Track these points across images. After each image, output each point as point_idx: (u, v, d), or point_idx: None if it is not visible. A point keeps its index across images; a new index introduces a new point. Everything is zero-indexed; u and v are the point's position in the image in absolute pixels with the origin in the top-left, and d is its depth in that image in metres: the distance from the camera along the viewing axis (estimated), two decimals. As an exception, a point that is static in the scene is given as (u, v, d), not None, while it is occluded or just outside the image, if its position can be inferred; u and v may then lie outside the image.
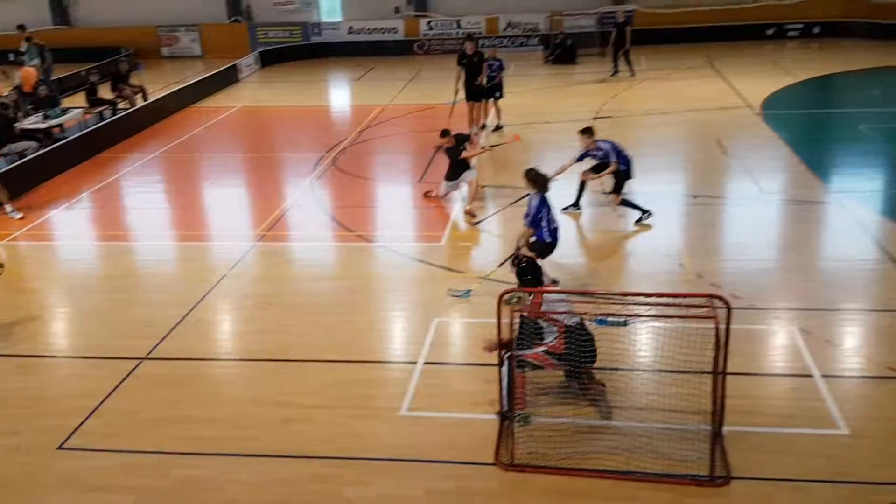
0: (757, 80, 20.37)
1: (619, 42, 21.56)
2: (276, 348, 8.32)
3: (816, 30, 27.17)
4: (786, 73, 21.26)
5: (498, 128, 16.88)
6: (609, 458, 6.19)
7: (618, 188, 11.23)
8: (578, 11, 28.06)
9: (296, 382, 7.66)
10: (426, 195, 12.84)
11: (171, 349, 8.40)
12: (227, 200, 13.67)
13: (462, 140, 12.44)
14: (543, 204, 8.95)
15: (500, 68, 16.59)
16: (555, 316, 6.47)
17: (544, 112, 18.32)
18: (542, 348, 6.51)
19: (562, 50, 25.35)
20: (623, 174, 11.18)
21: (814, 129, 16.02)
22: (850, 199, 11.78)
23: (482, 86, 16.10)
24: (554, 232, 9.00)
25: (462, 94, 16.18)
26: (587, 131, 11.31)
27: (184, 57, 30.41)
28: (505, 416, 6.53)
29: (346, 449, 6.58)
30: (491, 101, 16.65)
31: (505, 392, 6.46)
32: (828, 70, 21.68)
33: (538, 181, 8.99)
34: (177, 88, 21.83)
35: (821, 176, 12.88)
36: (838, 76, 21.19)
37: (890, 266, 9.46)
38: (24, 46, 21.79)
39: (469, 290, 9.15)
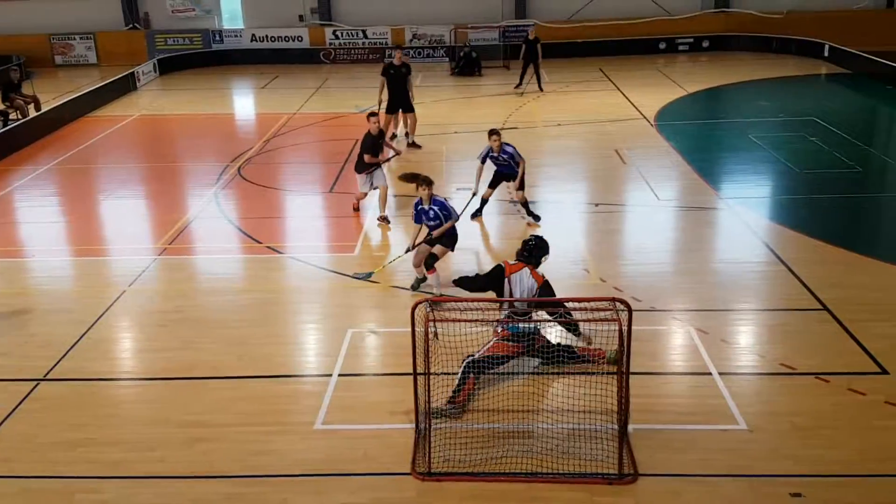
0: (651, 92, 21.26)
1: (529, 56, 21.52)
2: (181, 366, 8.07)
3: (705, 44, 28.58)
4: (677, 85, 22.28)
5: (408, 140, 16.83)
6: (523, 461, 6.31)
7: (521, 185, 11.73)
8: (483, 24, 28.54)
9: (203, 401, 7.45)
10: (355, 209, 12.63)
11: (70, 369, 8.03)
12: (125, 213, 13.16)
13: (382, 136, 12.39)
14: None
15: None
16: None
17: (451, 123, 18.54)
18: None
19: (466, 61, 25.68)
20: (507, 175, 11.77)
21: (705, 139, 16.82)
22: (741, 204, 12.44)
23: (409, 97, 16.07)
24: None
25: (384, 105, 16.07)
26: (495, 132, 11.56)
27: (79, 65, 29.16)
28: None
29: (259, 467, 6.46)
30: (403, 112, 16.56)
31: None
32: (716, 82, 22.85)
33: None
34: (71, 98, 20.88)
35: (712, 183, 13.56)
36: (726, 88, 22.36)
37: (779, 267, 10.05)
38: None
39: (371, 273, 9.44)
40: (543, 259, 7.85)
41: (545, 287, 7.50)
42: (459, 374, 7.03)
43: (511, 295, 7.39)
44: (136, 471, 6.44)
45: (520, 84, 22.21)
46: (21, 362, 8.15)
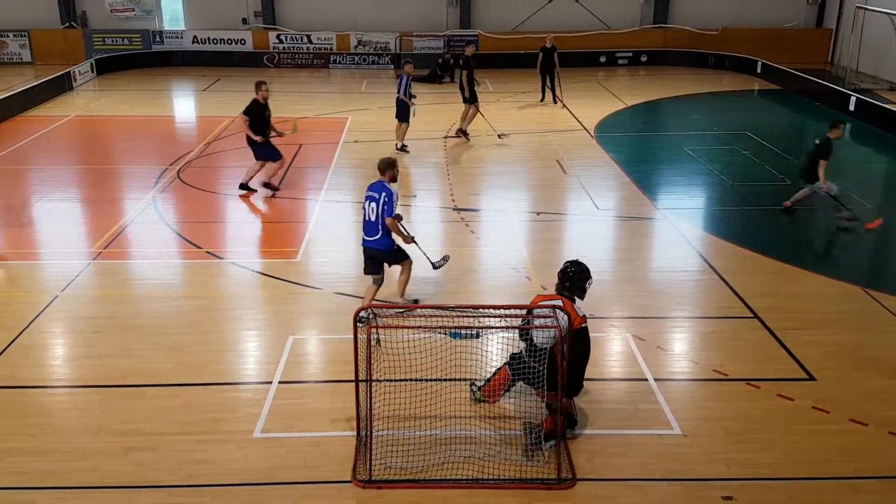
0: (591, 104, 21.68)
1: (546, 65, 21.24)
2: (115, 373, 7.87)
3: (644, 58, 29.30)
4: (617, 97, 22.76)
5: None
6: (464, 467, 6.35)
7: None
8: (428, 33, 28.67)
9: (138, 409, 7.28)
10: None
11: (-2, 378, 7.75)
12: (58, 216, 12.75)
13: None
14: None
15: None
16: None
17: (391, 129, 18.50)
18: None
19: (445, 69, 25.53)
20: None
21: (643, 151, 17.23)
22: (676, 215, 12.79)
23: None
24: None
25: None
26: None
27: (12, 63, 28.19)
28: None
29: (196, 476, 6.35)
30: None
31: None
32: (654, 95, 23.44)
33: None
34: (3, 96, 20.14)
35: (649, 194, 13.90)
36: (664, 101, 22.96)
37: (713, 277, 10.36)
38: None
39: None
40: (588, 284, 6.79)
41: (577, 335, 6.39)
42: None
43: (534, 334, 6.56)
44: (69, 481, 6.25)
45: (543, 97, 21.73)
46: (-55, 370, 7.83)
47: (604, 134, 18.37)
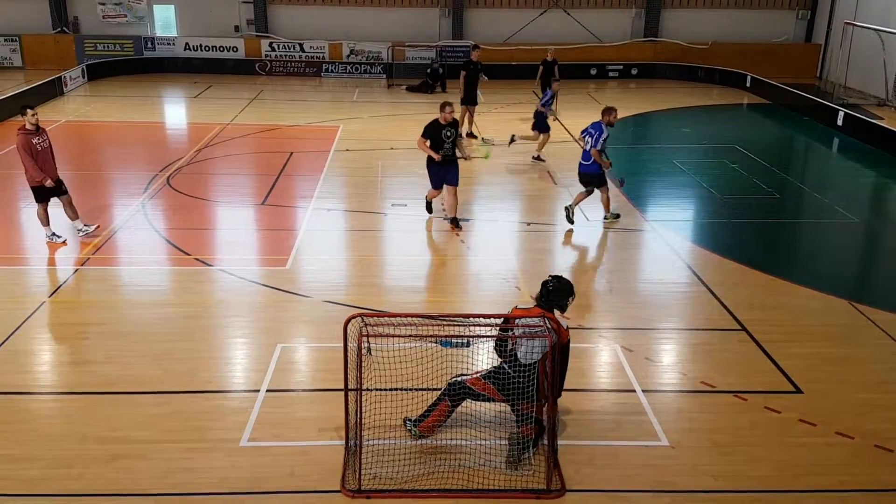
0: (581, 115, 21.70)
1: (546, 77, 21.03)
2: (102, 380, 7.82)
3: (634, 71, 29.50)
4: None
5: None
6: (453, 477, 6.34)
7: None
8: (421, 43, 28.77)
9: (124, 416, 7.23)
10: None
11: (-17, 384, 7.68)
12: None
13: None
14: None
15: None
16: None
17: (387, 139, 18.58)
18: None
19: (434, 78, 25.63)
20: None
21: (632, 163, 17.28)
22: (665, 227, 12.85)
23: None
24: None
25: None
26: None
27: (2, 68, 28.08)
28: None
29: (182, 484, 6.31)
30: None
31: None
32: (644, 108, 23.58)
33: None
34: (-9, 100, 20.08)
35: (639, 206, 13.97)
36: (653, 114, 23.10)
37: (701, 289, 10.41)
38: None
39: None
40: (570, 301, 6.79)
41: (564, 349, 6.39)
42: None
43: (514, 346, 6.55)
44: (54, 489, 6.20)
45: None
46: (-71, 375, 7.76)
47: (594, 146, 18.42)
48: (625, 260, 11.66)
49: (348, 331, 6.14)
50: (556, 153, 17.53)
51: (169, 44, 28.91)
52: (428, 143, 12.02)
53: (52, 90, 23.10)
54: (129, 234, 12.02)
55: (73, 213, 11.63)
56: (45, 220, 11.45)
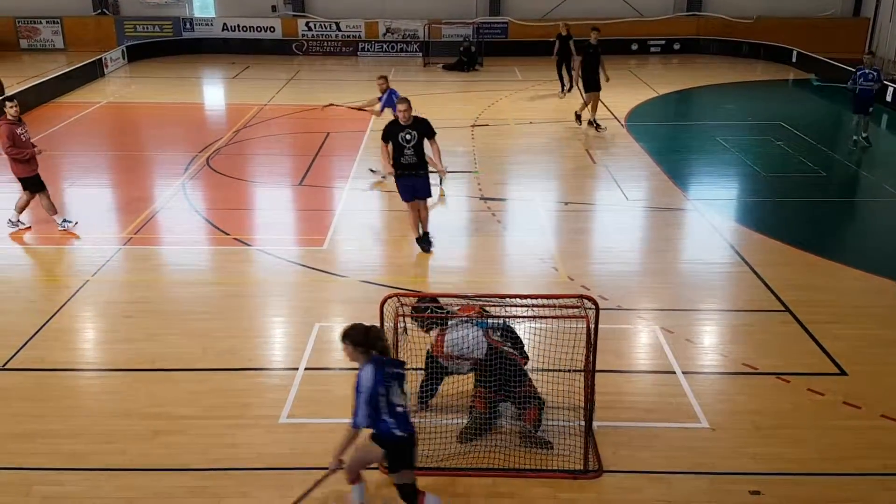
0: (622, 92, 21.42)
1: (562, 54, 21.02)
2: (145, 358, 7.96)
3: (677, 46, 28.91)
4: (648, 86, 22.48)
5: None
6: (489, 457, 6.34)
7: None
8: (457, 20, 28.53)
9: (166, 393, 7.36)
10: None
11: (30, 360, 7.88)
12: (90, 201, 12.92)
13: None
14: (378, 375, 5.33)
15: None
16: (459, 354, 6.47)
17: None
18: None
19: (467, 56, 25.46)
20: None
21: (674, 141, 17.02)
22: (708, 206, 12.61)
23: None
24: (404, 419, 5.47)
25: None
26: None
27: (45, 50, 28.62)
28: None
29: (223, 460, 6.40)
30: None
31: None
32: (686, 84, 23.11)
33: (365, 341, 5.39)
34: (36, 83, 20.46)
35: (680, 184, 13.72)
36: (696, 90, 22.64)
37: (744, 269, 10.21)
38: None
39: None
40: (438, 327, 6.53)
41: (506, 330, 6.59)
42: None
43: (456, 362, 6.50)
44: (97, 463, 6.34)
45: (563, 87, 21.22)
46: (-21, 351, 7.98)
47: (634, 123, 18.18)
48: (665, 239, 11.48)
49: (385, 310, 6.14)
50: (594, 130, 17.26)
51: (207, 25, 29.13)
52: (390, 147, 10.14)
53: (93, 72, 23.45)
54: (170, 214, 12.18)
55: (23, 205, 11.41)
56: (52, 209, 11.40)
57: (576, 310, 6.18)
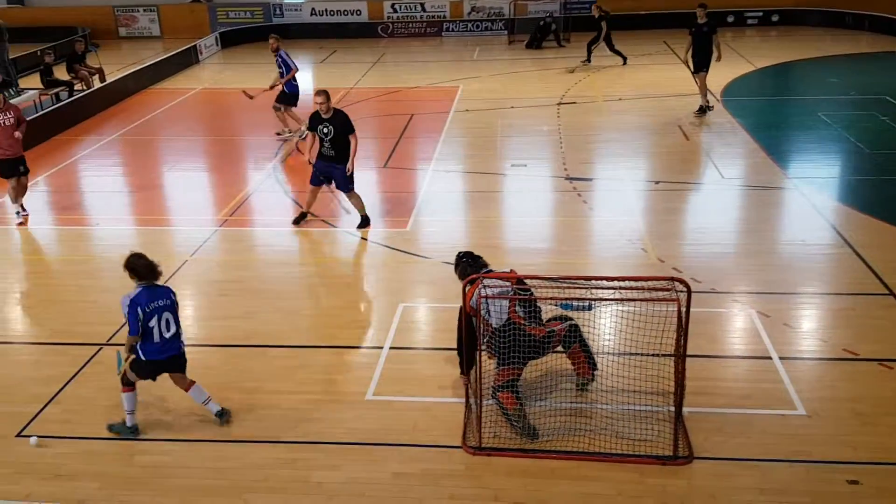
0: (717, 66, 20.52)
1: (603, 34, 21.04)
2: (240, 334, 8.25)
3: (775, 18, 27.60)
4: (745, 60, 21.57)
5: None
6: (574, 440, 6.27)
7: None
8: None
9: (260, 368, 7.61)
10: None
11: (132, 335, 8.26)
12: (187, 184, 13.45)
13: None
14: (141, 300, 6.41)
15: None
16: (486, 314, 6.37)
17: (507, 97, 18.35)
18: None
19: (544, 32, 25.08)
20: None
21: (773, 116, 16.30)
22: (808, 185, 12.04)
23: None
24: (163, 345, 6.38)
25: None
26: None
27: (142, 37, 29.80)
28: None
29: (312, 433, 6.58)
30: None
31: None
32: (785, 57, 22.05)
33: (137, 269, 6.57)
34: (135, 70, 21.38)
35: (779, 162, 13.14)
36: (796, 64, 21.57)
37: (846, 251, 9.71)
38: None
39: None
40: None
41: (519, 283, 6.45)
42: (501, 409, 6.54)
43: (489, 315, 6.37)
44: (195, 434, 6.62)
45: (624, 60, 21.50)
46: (84, 328, 8.45)
47: (731, 98, 17.49)
48: (763, 220, 11.03)
49: (467, 292, 6.14)
50: (687, 106, 16.70)
51: (296, 10, 29.67)
52: (316, 137, 10.44)
53: (189, 58, 24.29)
54: (262, 197, 12.54)
55: (16, 195, 11.51)
56: (13, 197, 11.50)
57: (666, 292, 6.01)
